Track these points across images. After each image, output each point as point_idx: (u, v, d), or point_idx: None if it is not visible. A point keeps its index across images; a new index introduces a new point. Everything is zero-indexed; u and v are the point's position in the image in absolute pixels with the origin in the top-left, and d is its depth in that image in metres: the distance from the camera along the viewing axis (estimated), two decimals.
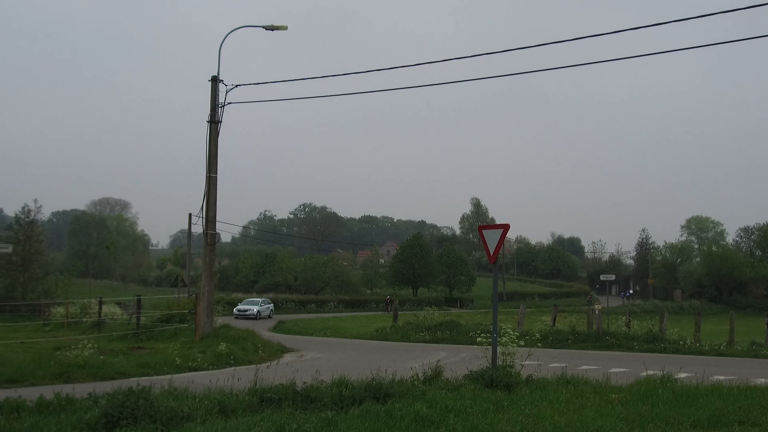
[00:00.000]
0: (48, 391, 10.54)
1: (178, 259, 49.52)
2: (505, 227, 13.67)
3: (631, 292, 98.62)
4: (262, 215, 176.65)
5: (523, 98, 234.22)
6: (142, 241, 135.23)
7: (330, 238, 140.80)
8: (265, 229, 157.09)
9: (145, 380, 13.06)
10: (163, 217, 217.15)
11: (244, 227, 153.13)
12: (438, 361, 14.48)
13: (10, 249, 20.29)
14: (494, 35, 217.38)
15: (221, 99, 23.78)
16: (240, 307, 54.99)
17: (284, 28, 23.63)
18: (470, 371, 12.75)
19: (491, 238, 13.63)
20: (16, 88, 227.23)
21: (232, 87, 23.65)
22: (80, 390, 10.95)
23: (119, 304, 37.17)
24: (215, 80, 23.95)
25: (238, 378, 11.65)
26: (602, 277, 37.40)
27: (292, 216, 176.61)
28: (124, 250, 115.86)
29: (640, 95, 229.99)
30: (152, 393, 9.78)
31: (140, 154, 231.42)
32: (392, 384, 11.23)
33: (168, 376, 14.56)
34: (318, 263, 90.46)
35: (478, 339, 13.59)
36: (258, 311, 54.02)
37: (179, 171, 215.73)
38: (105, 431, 8.76)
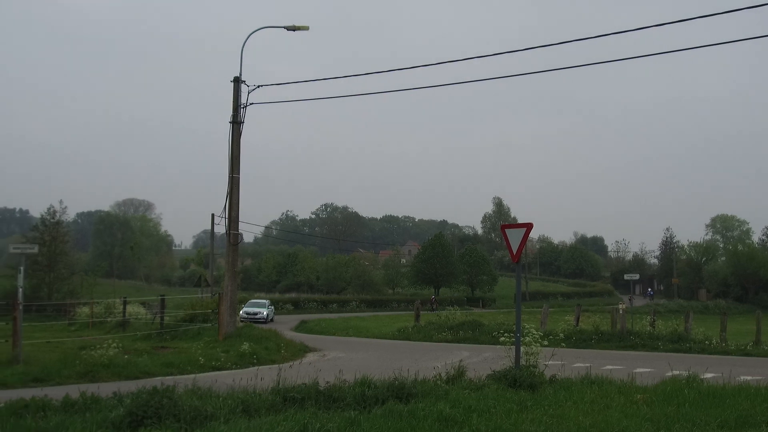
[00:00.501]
0: (73, 390, 10.64)
1: (201, 260, 48.91)
2: (529, 226, 13.57)
3: (650, 290, 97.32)
4: (284, 215, 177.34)
5: (546, 97, 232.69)
6: (166, 241, 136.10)
7: (351, 238, 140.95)
8: (287, 229, 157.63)
9: (169, 379, 13.18)
10: (186, 218, 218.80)
11: (266, 227, 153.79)
12: (461, 360, 14.43)
13: (35, 249, 20.47)
14: (516, 33, 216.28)
15: (243, 100, 23.87)
16: (248, 309, 48.36)
17: (305, 28, 23.72)
18: (493, 371, 12.68)
19: (514, 237, 13.54)
20: (41, 90, 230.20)
21: (254, 88, 23.73)
22: (105, 389, 11.03)
23: (143, 304, 37.55)
24: (237, 81, 24.02)
25: (261, 377, 11.68)
26: (626, 277, 37.10)
27: (313, 216, 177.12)
28: (148, 250, 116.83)
29: (663, 95, 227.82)
30: (176, 392, 9.85)
31: (163, 155, 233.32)
32: (415, 384, 11.22)
33: (192, 376, 14.67)
34: (340, 263, 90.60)
35: (501, 339, 13.50)
36: (266, 314, 48.59)
37: (202, 172, 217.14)
38: (130, 430, 8.83)
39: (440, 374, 12.57)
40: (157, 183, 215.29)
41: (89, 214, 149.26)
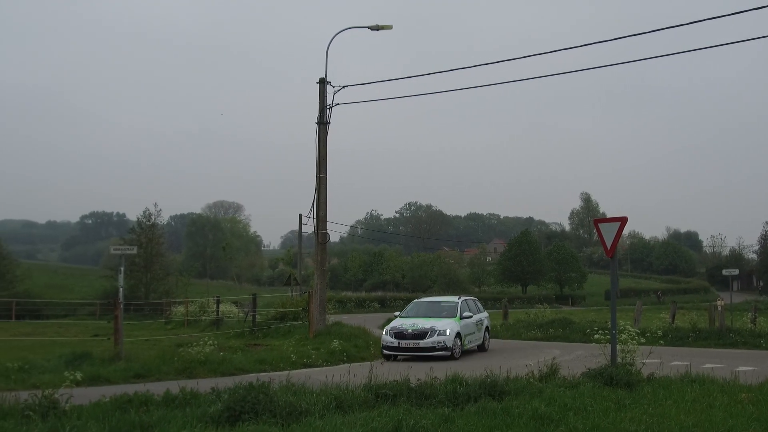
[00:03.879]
0: (172, 386, 10.98)
1: (290, 259, 48.54)
2: (623, 220, 13.21)
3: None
4: (368, 215, 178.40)
5: (631, 88, 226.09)
6: (255, 242, 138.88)
7: (436, 236, 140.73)
8: (371, 228, 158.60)
9: (263, 376, 13.43)
10: (273, 219, 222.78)
11: (351, 227, 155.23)
12: (554, 358, 14.17)
13: (134, 251, 21.33)
14: (600, 26, 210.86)
15: (329, 100, 24.11)
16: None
17: (389, 27, 23.82)
18: (588, 369, 12.40)
19: (608, 231, 13.22)
20: (133, 100, 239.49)
21: (339, 88, 23.90)
22: (203, 385, 11.32)
23: (235, 302, 38.39)
24: (323, 82, 24.27)
25: (353, 374, 11.78)
26: (725, 272, 35.74)
27: (397, 215, 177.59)
28: (238, 251, 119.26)
29: (754, 73, 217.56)
30: (271, 388, 10.04)
31: (250, 157, 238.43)
32: (507, 381, 11.10)
33: (285, 372, 14.94)
34: (425, 261, 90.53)
35: (596, 336, 13.19)
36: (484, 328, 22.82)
37: (289, 173, 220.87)
38: (228, 424, 9.04)
39: (533, 372, 12.37)
40: (245, 185, 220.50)
41: (182, 216, 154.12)
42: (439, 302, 22.50)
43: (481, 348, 22.06)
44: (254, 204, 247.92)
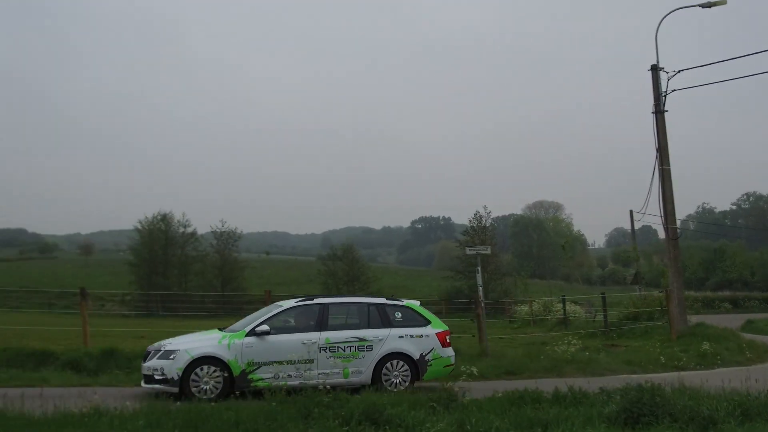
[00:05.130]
0: (544, 384, 11.16)
1: (637, 256, 46.16)
2: None
3: None
4: (699, 208, 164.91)
5: None
6: (580, 240, 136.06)
7: None
8: (705, 221, 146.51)
9: (635, 377, 12.94)
10: (595, 217, 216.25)
11: (681, 221, 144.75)
12: None
13: (488, 251, 22.16)
14: None
15: (663, 87, 23.04)
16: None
17: (723, 2, 22.31)
18: None
19: None
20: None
21: (674, 74, 22.75)
22: (575, 384, 10.94)
23: (574, 302, 37.93)
24: (655, 69, 23.30)
25: (755, 379, 10.79)
26: None
27: (734, 207, 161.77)
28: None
29: None
30: (665, 391, 9.60)
31: (571, 155, 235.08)
32: None
33: (661, 375, 14.31)
34: None
35: None
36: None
37: (608, 167, 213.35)
38: (626, 426, 8.86)
39: None
40: (561, 185, 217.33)
41: (503, 218, 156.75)
42: (269, 308, 13.44)
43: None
44: (572, 202, 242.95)
